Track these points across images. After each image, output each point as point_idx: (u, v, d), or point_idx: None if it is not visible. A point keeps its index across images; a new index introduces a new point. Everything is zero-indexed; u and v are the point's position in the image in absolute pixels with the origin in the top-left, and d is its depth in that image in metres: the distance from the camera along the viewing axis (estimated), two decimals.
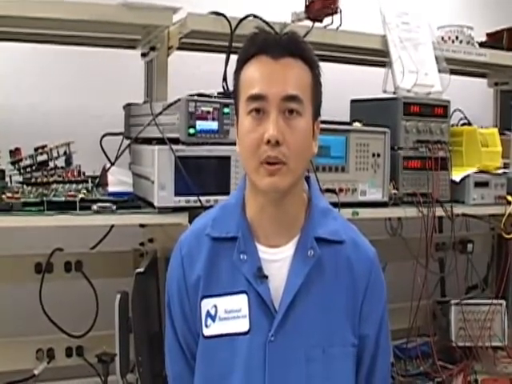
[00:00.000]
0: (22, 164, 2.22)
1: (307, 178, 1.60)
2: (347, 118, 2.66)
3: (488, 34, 3.21)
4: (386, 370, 1.64)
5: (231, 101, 1.65)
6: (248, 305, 1.48)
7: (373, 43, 2.69)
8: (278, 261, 1.51)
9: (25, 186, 2.16)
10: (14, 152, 2.23)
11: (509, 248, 3.04)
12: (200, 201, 2.07)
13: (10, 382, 2.47)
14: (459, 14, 3.44)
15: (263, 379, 1.46)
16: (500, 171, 2.79)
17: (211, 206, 1.77)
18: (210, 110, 2.09)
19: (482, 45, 3.08)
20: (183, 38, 2.42)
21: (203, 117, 2.08)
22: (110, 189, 2.14)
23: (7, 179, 2.22)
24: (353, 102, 2.81)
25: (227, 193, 2.03)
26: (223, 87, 2.28)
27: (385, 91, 2.65)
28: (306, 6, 2.50)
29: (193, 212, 2.02)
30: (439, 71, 2.75)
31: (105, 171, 2.22)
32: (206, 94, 2.12)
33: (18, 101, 2.72)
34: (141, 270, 2.16)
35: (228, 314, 1.49)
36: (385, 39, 2.69)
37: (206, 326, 1.50)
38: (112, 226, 2.53)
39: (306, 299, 1.49)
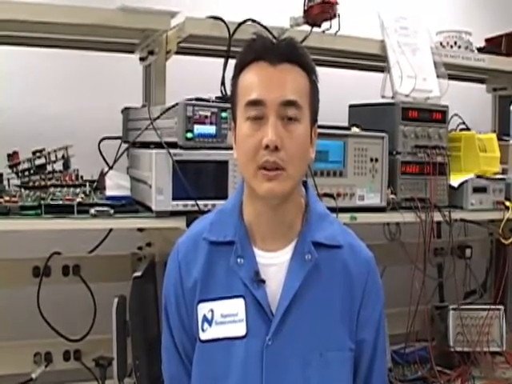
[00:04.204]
0: (20, 167, 2.23)
1: (304, 183, 1.60)
2: (345, 123, 2.66)
3: (487, 40, 3.21)
4: (384, 374, 1.65)
5: (229, 105, 1.65)
6: (245, 309, 1.48)
7: (371, 48, 2.69)
8: (275, 265, 1.51)
9: (22, 190, 2.17)
10: (12, 155, 2.23)
11: (507, 253, 3.04)
12: (198, 205, 2.07)
13: None
14: (458, 20, 3.45)
15: (260, 383, 1.46)
16: (498, 176, 2.79)
17: (209, 211, 1.77)
18: (208, 114, 2.09)
19: (480, 50, 3.08)
20: (181, 43, 2.43)
21: (201, 121, 2.08)
22: (108, 193, 2.14)
23: (5, 183, 2.22)
24: (351, 106, 2.81)
25: (225, 197, 2.03)
26: (221, 92, 2.29)
27: (383, 96, 2.65)
28: (305, 11, 2.50)
29: (190, 216, 2.02)
30: (438, 76, 2.75)
31: (103, 175, 2.22)
32: (204, 99, 2.12)
33: (16, 104, 2.72)
34: (138, 274, 2.16)
35: (225, 318, 1.49)
36: (383, 44, 2.69)
37: (203, 330, 1.51)
38: (110, 230, 2.53)
39: (303, 303, 1.49)
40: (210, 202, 2.08)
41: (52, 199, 2.07)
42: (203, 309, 1.51)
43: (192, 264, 1.54)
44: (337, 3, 2.47)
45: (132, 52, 2.64)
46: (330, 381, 1.50)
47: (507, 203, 2.77)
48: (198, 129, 2.08)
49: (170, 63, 2.51)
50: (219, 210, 1.61)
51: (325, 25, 2.52)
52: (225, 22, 2.32)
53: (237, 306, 1.49)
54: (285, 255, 1.52)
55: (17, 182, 2.23)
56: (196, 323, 1.52)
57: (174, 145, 2.08)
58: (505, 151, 2.90)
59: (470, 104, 3.24)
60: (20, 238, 2.38)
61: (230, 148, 1.58)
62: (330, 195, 2.36)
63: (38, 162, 2.24)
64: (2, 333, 2.51)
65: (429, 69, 2.75)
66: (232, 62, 1.56)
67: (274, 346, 1.46)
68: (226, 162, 2.12)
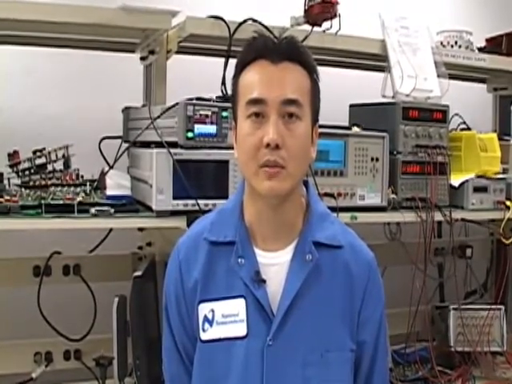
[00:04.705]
0: (21, 167, 2.22)
1: (305, 183, 1.60)
2: (346, 123, 2.66)
3: (487, 39, 3.21)
4: (385, 375, 1.64)
5: (230, 105, 1.65)
6: (246, 309, 1.48)
7: (372, 48, 2.69)
8: (275, 265, 1.51)
9: (23, 189, 2.16)
10: (13, 155, 2.23)
11: (508, 253, 3.04)
12: (198, 205, 2.06)
13: None
14: (458, 19, 3.45)
15: (260, 383, 1.46)
16: (499, 176, 2.79)
17: (209, 210, 1.77)
18: (209, 113, 2.09)
19: (481, 50, 3.08)
20: (182, 42, 2.43)
21: (201, 120, 2.08)
22: (109, 192, 2.14)
23: (5, 182, 2.21)
24: (352, 106, 2.81)
25: (225, 197, 2.03)
26: (222, 91, 2.29)
27: (384, 96, 2.65)
28: (305, 11, 2.50)
29: (190, 216, 2.02)
30: (438, 76, 2.75)
31: (103, 174, 2.21)
32: (204, 98, 2.12)
33: (16, 104, 2.72)
34: (139, 273, 2.16)
35: (225, 319, 1.49)
36: (384, 44, 2.69)
37: (204, 330, 1.50)
38: (110, 230, 2.53)
39: (303, 303, 1.48)
40: (210, 202, 2.08)
41: (52, 199, 2.06)
42: (204, 309, 1.51)
43: (192, 264, 1.54)
44: (337, 3, 2.47)
45: (133, 51, 2.64)
46: (330, 381, 1.50)
47: (508, 203, 2.77)
48: (199, 128, 2.08)
49: (171, 63, 2.51)
50: (220, 209, 1.60)
51: (325, 24, 2.51)
52: (225, 22, 2.32)
53: (237, 306, 1.49)
54: (285, 255, 1.51)
55: (17, 181, 2.22)
56: (197, 323, 1.52)
57: (174, 144, 2.08)
58: (505, 151, 2.90)
59: (471, 104, 3.24)
60: (20, 238, 2.38)
61: (231, 147, 1.58)
62: (331, 195, 2.36)
63: (39, 161, 2.24)
64: (2, 332, 2.51)
65: (429, 68, 2.75)
66: (233, 62, 1.56)
67: (275, 346, 1.46)
68: (226, 162, 2.12)
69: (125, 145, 2.45)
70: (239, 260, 1.49)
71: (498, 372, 2.88)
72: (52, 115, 2.77)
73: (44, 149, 2.25)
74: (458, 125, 3.06)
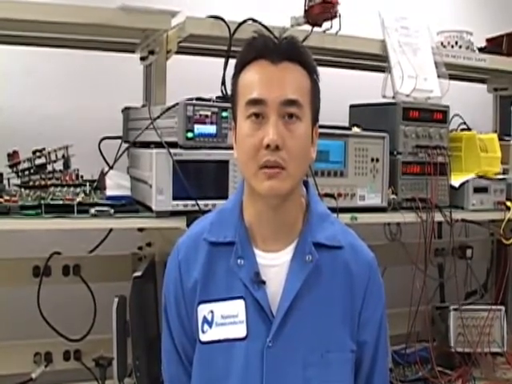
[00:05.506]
0: (20, 167, 2.22)
1: (305, 183, 1.60)
2: (346, 123, 2.66)
3: (488, 40, 3.21)
4: (385, 375, 1.64)
5: (230, 105, 1.64)
6: (245, 310, 1.47)
7: (372, 48, 2.68)
8: (275, 266, 1.50)
9: (22, 189, 2.16)
10: (12, 155, 2.23)
11: (508, 254, 3.04)
12: (198, 205, 2.06)
13: None
14: (459, 20, 3.44)
15: None
16: (499, 177, 2.79)
17: (209, 211, 1.77)
18: (209, 114, 2.09)
19: (481, 50, 3.08)
20: (182, 42, 2.43)
21: (201, 121, 2.08)
22: (108, 192, 2.13)
23: (5, 182, 2.21)
24: (352, 106, 2.81)
25: (225, 197, 2.03)
26: (222, 91, 2.28)
27: (384, 96, 2.64)
28: (305, 11, 2.50)
29: (190, 216, 2.02)
30: (438, 76, 2.75)
31: (103, 175, 2.21)
32: (204, 98, 2.12)
33: (16, 104, 2.72)
34: (138, 273, 2.16)
35: (225, 320, 1.48)
36: (384, 44, 2.68)
37: (203, 331, 1.50)
38: (110, 230, 2.53)
39: (303, 304, 1.48)
40: (210, 202, 2.08)
41: (52, 199, 2.06)
42: (203, 310, 1.50)
43: (192, 264, 1.54)
44: (338, 3, 2.46)
45: (132, 52, 2.63)
46: (330, 382, 1.49)
47: (508, 203, 2.77)
48: (199, 128, 2.08)
49: (171, 63, 2.50)
50: (219, 209, 1.60)
51: (326, 24, 2.51)
52: (225, 22, 2.32)
53: (237, 307, 1.48)
54: (285, 256, 1.51)
55: (17, 181, 2.22)
56: (196, 324, 1.51)
57: (174, 144, 2.08)
58: (506, 151, 2.90)
59: (471, 104, 3.23)
60: (20, 238, 2.38)
61: (231, 148, 1.58)
62: (331, 195, 2.36)
63: (38, 161, 2.24)
64: (2, 333, 2.51)
65: (430, 69, 2.74)
66: (232, 62, 1.56)
67: (275, 347, 1.45)
68: (226, 162, 2.12)
69: (125, 145, 2.45)
70: (239, 261, 1.49)
71: (499, 373, 2.88)
72: (52, 115, 2.77)
73: (44, 149, 2.24)
74: (459, 125, 3.05)
